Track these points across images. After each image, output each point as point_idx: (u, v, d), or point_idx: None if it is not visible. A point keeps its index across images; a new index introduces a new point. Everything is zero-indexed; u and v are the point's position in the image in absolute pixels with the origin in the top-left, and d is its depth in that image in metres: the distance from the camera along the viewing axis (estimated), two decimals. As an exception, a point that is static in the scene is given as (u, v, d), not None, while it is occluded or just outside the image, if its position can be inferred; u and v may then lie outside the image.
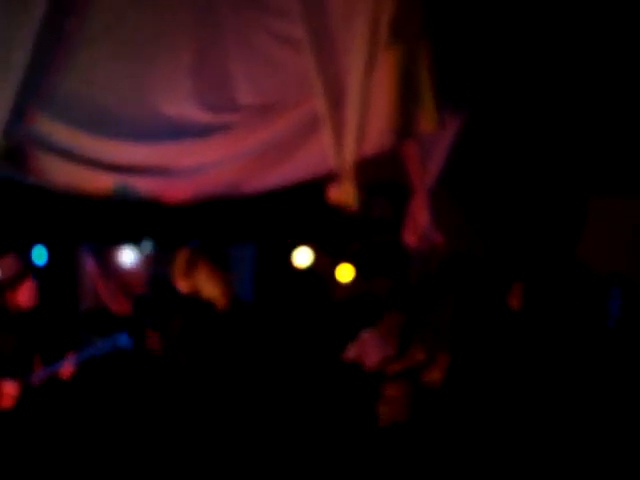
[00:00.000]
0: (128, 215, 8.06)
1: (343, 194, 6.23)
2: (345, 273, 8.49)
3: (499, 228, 8.05)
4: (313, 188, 6.71)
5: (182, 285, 6.36)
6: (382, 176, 7.69)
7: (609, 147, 7.59)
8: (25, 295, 6.75)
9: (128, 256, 9.94)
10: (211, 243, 6.81)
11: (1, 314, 6.72)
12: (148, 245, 10.20)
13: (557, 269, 7.79)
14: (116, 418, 7.51)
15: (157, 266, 9.99)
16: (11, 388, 6.50)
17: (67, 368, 6.71)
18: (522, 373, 6.77)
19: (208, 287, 6.26)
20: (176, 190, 6.95)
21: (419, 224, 7.22)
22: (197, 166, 6.75)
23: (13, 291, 6.71)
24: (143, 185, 6.87)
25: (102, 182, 6.72)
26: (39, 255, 8.43)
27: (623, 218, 8.06)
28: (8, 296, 6.71)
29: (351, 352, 7.55)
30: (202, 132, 6.56)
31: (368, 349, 7.39)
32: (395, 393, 6.49)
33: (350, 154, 6.13)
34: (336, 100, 6.16)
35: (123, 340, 6.96)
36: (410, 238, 7.41)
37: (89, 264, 9.65)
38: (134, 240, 10.04)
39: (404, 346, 7.56)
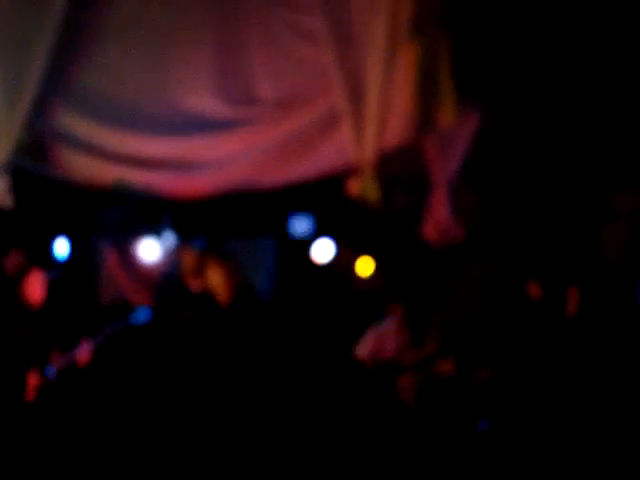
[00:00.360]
0: (150, 207, 8.07)
1: (363, 188, 6.24)
2: (365, 266, 8.47)
3: (519, 222, 8.02)
4: (334, 181, 6.71)
5: (193, 283, 6.38)
6: (404, 169, 7.68)
7: (633, 140, 7.54)
8: (34, 289, 6.71)
9: (150, 248, 9.95)
10: (215, 239, 6.80)
11: (13, 308, 6.72)
12: (170, 237, 10.21)
13: (577, 263, 7.76)
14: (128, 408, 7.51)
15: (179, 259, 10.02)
16: (32, 379, 6.53)
17: (84, 352, 6.71)
18: (540, 366, 6.74)
19: (215, 281, 6.27)
20: (197, 183, 6.96)
21: (439, 218, 7.20)
22: (218, 160, 6.77)
23: (21, 286, 6.67)
24: (164, 178, 6.89)
25: (123, 176, 6.75)
26: (62, 249, 8.43)
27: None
28: (18, 291, 6.70)
29: (365, 346, 7.53)
30: (223, 126, 6.59)
31: (381, 342, 7.38)
32: (407, 384, 6.52)
33: (370, 148, 6.15)
34: (356, 94, 6.17)
35: (141, 315, 6.97)
36: (430, 232, 7.39)
37: (110, 256, 9.67)
38: (156, 232, 10.05)
39: (418, 337, 7.55)
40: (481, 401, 6.63)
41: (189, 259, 6.31)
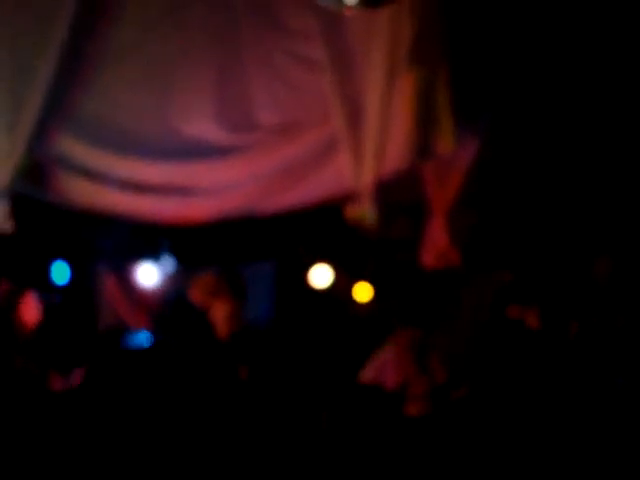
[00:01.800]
0: (148, 233, 8.08)
1: (361, 214, 6.25)
2: (363, 292, 8.46)
3: (519, 248, 8.01)
4: (332, 208, 6.71)
5: (198, 300, 6.35)
6: (402, 196, 7.69)
7: (633, 166, 7.55)
8: (27, 314, 6.67)
9: (149, 274, 9.95)
10: (232, 269, 6.78)
11: (6, 334, 6.67)
12: (169, 263, 10.21)
13: (577, 290, 7.76)
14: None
15: (178, 284, 10.01)
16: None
17: (77, 375, 6.61)
18: (546, 393, 6.73)
19: (218, 315, 6.23)
20: (196, 209, 6.96)
21: (437, 244, 7.20)
22: (217, 186, 6.77)
23: (13, 312, 6.63)
24: (163, 204, 6.90)
25: (122, 201, 6.76)
26: (61, 273, 8.43)
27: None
28: (10, 317, 6.66)
29: (369, 373, 7.47)
30: (222, 152, 6.60)
31: (387, 369, 7.31)
32: (416, 413, 6.46)
33: (368, 174, 6.17)
34: (355, 121, 6.20)
35: (138, 339, 6.95)
36: (428, 258, 7.39)
37: (109, 281, 9.67)
38: (154, 258, 10.05)
39: (423, 364, 7.50)
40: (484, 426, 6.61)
41: (203, 283, 6.27)
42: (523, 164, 7.33)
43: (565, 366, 6.78)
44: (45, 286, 7.31)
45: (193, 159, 6.63)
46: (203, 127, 6.57)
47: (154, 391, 6.49)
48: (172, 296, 9.91)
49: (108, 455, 6.55)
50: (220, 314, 6.15)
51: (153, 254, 9.99)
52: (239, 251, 9.61)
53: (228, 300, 6.18)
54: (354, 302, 8.57)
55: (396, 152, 6.35)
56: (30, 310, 6.72)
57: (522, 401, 6.61)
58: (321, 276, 8.29)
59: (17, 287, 6.79)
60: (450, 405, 6.99)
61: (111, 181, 6.63)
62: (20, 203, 6.54)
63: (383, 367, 7.33)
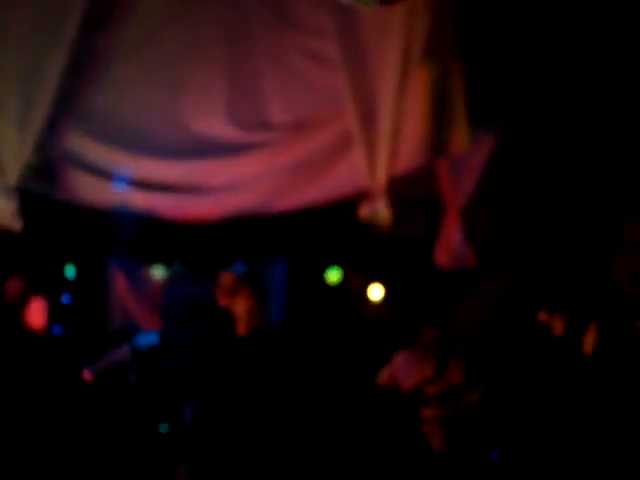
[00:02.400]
0: (160, 232, 8.05)
1: (375, 212, 6.18)
2: (376, 292, 8.42)
3: (533, 246, 7.96)
4: (346, 206, 6.66)
5: (223, 301, 6.32)
6: (416, 193, 7.63)
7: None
8: (35, 315, 6.65)
9: (160, 274, 9.93)
10: (252, 267, 6.75)
11: (14, 335, 6.66)
12: (179, 263, 10.19)
13: (592, 289, 7.70)
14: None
15: (189, 284, 9.99)
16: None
17: (87, 374, 6.72)
18: (563, 396, 6.68)
19: (239, 311, 6.20)
20: (208, 208, 6.92)
21: (451, 243, 7.14)
22: (229, 184, 6.73)
23: (23, 312, 6.61)
24: (175, 202, 6.85)
25: (133, 199, 6.72)
26: (71, 273, 8.41)
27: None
28: (20, 317, 6.64)
29: (386, 374, 7.41)
30: (234, 150, 6.55)
31: (405, 370, 7.24)
32: (431, 415, 6.40)
33: (382, 172, 6.10)
34: (368, 118, 6.13)
35: (147, 339, 6.94)
36: (442, 257, 7.33)
37: (120, 282, 9.65)
38: (166, 258, 10.03)
39: (442, 365, 7.45)
40: (497, 430, 6.56)
41: (225, 279, 6.24)
42: (540, 161, 7.27)
43: (587, 374, 6.73)
44: (55, 286, 7.24)
45: (205, 157, 6.59)
46: (215, 125, 6.52)
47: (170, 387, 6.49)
48: (183, 295, 9.92)
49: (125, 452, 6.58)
50: (240, 310, 6.13)
51: (164, 253, 9.98)
52: (252, 249, 9.60)
53: (248, 297, 6.16)
54: (368, 301, 8.53)
55: (410, 150, 6.29)
56: (38, 315, 6.66)
57: (540, 406, 6.57)
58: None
59: (29, 287, 6.76)
60: (465, 408, 6.96)
61: (122, 179, 6.58)
62: (30, 201, 6.50)
63: (401, 368, 7.27)
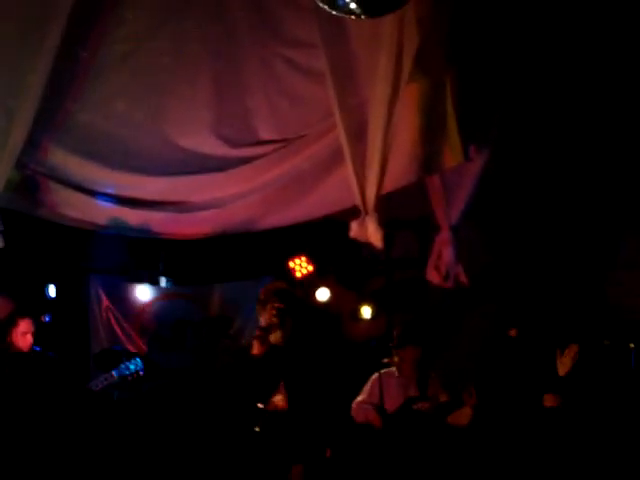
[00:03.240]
0: (144, 250, 7.97)
1: (365, 229, 6.05)
2: (366, 310, 8.36)
3: (525, 264, 7.91)
4: (336, 223, 6.56)
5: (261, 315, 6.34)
6: (408, 211, 7.56)
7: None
8: (23, 336, 6.60)
9: (143, 293, 9.83)
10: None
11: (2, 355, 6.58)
12: (164, 281, 10.10)
13: (585, 309, 7.67)
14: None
15: (174, 304, 9.91)
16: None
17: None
18: (545, 412, 6.63)
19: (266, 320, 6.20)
20: (194, 225, 6.82)
21: (443, 260, 7.04)
22: (215, 200, 6.63)
23: (9, 332, 6.56)
24: (160, 219, 6.74)
25: (117, 216, 6.59)
26: (52, 292, 8.34)
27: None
28: (6, 337, 6.59)
29: (368, 394, 7.31)
30: (220, 166, 6.45)
31: (387, 390, 7.14)
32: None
33: (372, 188, 5.97)
34: (358, 133, 6.00)
35: (135, 365, 6.95)
36: (433, 275, 7.24)
37: (103, 302, 9.56)
38: (150, 276, 9.94)
39: (423, 383, 7.35)
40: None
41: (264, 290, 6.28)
42: (533, 178, 7.22)
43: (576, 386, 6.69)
44: (36, 305, 7.14)
45: (190, 173, 6.50)
46: (202, 140, 6.41)
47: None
48: (170, 315, 9.81)
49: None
50: (266, 319, 6.17)
51: (149, 271, 9.88)
52: (240, 265, 9.50)
53: (271, 309, 6.17)
54: (356, 319, 8.47)
55: (401, 165, 6.19)
56: (25, 336, 6.60)
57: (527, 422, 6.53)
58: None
59: (17, 307, 6.69)
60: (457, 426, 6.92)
61: (105, 195, 6.46)
62: (10, 218, 6.35)
63: (383, 388, 7.15)
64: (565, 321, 7.03)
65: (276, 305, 6.14)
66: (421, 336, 7.42)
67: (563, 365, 6.48)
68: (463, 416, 6.97)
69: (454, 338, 8.15)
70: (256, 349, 6.11)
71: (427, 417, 6.95)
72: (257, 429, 5.94)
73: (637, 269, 7.97)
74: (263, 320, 6.26)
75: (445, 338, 8.20)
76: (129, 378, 7.03)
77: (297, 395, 6.09)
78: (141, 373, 7.06)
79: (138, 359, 7.06)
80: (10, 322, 6.54)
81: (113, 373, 6.96)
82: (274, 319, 6.16)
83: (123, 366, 7.03)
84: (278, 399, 6.13)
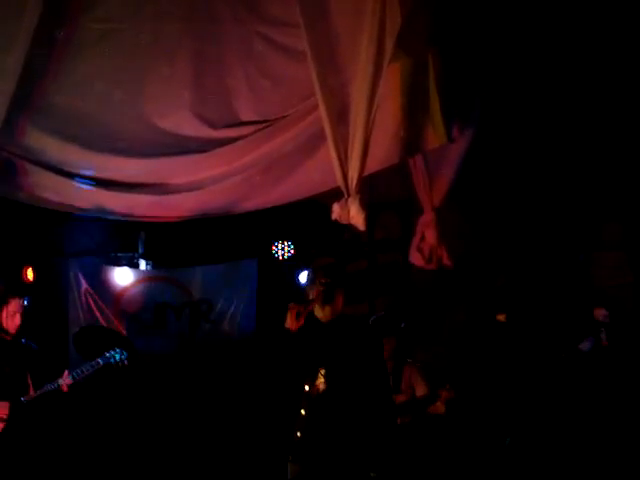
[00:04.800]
0: (124, 232, 7.90)
1: (348, 211, 5.99)
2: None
3: (508, 246, 7.90)
4: (318, 205, 6.51)
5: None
6: (391, 193, 7.51)
7: (623, 169, 7.47)
8: (11, 316, 6.64)
9: (123, 277, 9.76)
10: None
11: None
12: (144, 264, 10.04)
13: (568, 287, 7.70)
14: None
15: (154, 288, 9.86)
16: (1, 410, 6.45)
17: (63, 387, 6.70)
18: (527, 400, 6.65)
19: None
20: (174, 207, 6.75)
21: (426, 243, 7.01)
22: (196, 182, 6.57)
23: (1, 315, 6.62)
24: (140, 201, 6.67)
25: (96, 198, 6.51)
26: (31, 274, 8.28)
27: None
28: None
29: None
30: (201, 147, 6.36)
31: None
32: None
33: (355, 170, 5.89)
34: (340, 114, 5.92)
35: (117, 356, 6.93)
36: (416, 257, 7.20)
37: (82, 285, 9.49)
38: (130, 259, 9.89)
39: (397, 375, 7.32)
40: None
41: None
42: (516, 159, 7.20)
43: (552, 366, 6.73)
44: (16, 288, 7.11)
45: (171, 155, 6.43)
46: (181, 121, 6.33)
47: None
48: (150, 298, 9.74)
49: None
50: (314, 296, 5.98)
51: (129, 253, 9.81)
52: (222, 248, 9.44)
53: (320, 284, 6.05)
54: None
55: (384, 147, 6.15)
56: (14, 316, 6.71)
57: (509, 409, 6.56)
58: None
59: (7, 288, 6.84)
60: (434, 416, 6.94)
61: (84, 177, 6.38)
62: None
63: None
64: (551, 304, 7.06)
65: (322, 280, 6.00)
66: (396, 327, 7.41)
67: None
68: (437, 410, 7.00)
69: (436, 330, 8.16)
70: (290, 323, 5.94)
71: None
72: (303, 413, 5.81)
73: (619, 250, 7.98)
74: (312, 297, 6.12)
75: (427, 330, 8.21)
76: (114, 367, 7.01)
77: (339, 377, 5.93)
78: (126, 363, 7.04)
79: (124, 351, 7.05)
80: (1, 301, 6.64)
81: (99, 361, 6.95)
82: (321, 295, 6.00)
83: (108, 354, 7.02)
84: (320, 382, 6.03)
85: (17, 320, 6.68)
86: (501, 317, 7.23)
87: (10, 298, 6.67)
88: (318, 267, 6.20)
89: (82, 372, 6.78)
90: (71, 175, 6.41)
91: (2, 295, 6.67)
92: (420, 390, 7.24)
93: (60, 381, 6.65)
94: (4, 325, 6.64)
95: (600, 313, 6.98)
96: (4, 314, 6.62)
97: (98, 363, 6.93)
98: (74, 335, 8.91)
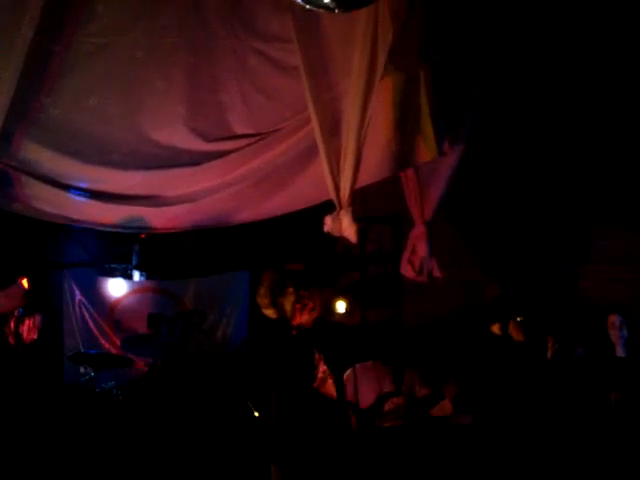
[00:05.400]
0: (118, 244, 7.92)
1: (340, 224, 6.04)
2: (340, 305, 8.35)
3: (500, 258, 7.93)
4: (310, 217, 6.55)
5: None
6: (383, 206, 7.55)
7: (612, 177, 7.51)
8: (32, 330, 6.69)
9: (117, 288, 9.78)
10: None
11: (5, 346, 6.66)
12: (138, 275, 10.05)
13: (558, 300, 7.71)
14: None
15: (147, 299, 9.87)
16: None
17: None
18: (526, 403, 6.67)
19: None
20: (167, 219, 6.79)
21: (417, 255, 7.04)
22: (189, 194, 6.60)
23: (20, 322, 6.67)
24: (134, 213, 6.71)
25: (90, 211, 6.55)
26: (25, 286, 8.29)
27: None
28: (13, 327, 6.67)
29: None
30: (194, 160, 6.41)
31: (361, 385, 7.11)
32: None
33: (347, 183, 5.94)
34: (332, 128, 5.99)
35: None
36: (407, 269, 7.24)
37: (77, 296, 9.51)
38: (124, 270, 9.90)
39: (398, 377, 7.36)
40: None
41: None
42: (507, 172, 7.24)
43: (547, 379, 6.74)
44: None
45: (164, 167, 6.46)
46: (175, 134, 6.37)
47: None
48: (144, 309, 9.76)
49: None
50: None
51: (123, 265, 9.83)
52: (215, 259, 9.47)
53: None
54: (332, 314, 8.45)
55: (375, 160, 6.19)
56: (34, 331, 6.85)
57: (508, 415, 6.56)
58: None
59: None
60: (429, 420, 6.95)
61: (78, 189, 6.41)
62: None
63: (357, 384, 7.14)
64: (539, 314, 7.08)
65: (291, 290, 6.08)
66: (398, 330, 7.45)
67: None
68: (445, 409, 7.02)
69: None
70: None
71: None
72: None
73: (606, 264, 8.02)
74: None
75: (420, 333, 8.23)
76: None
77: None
78: (120, 398, 7.09)
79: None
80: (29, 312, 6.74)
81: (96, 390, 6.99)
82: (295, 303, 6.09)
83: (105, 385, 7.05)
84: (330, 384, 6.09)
85: (34, 335, 6.79)
86: (495, 328, 7.26)
87: (37, 312, 6.78)
88: (286, 275, 6.27)
89: None
90: (66, 187, 6.43)
91: (27, 304, 6.72)
92: (421, 391, 7.26)
93: None
94: (24, 337, 6.67)
95: (613, 320, 6.95)
96: (26, 327, 6.66)
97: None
98: (68, 357, 8.91)
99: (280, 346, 5.96)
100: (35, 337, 6.79)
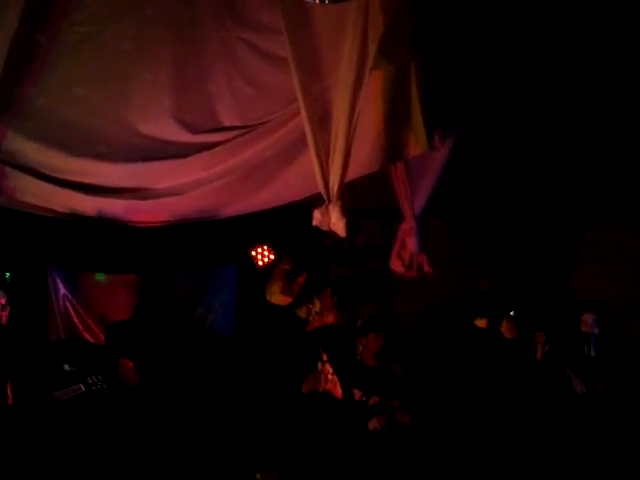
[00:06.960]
0: (103, 238, 7.84)
1: (328, 218, 5.99)
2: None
3: (490, 255, 7.92)
4: (299, 211, 6.51)
5: None
6: (372, 200, 7.52)
7: (604, 174, 7.50)
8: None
9: (101, 281, 9.72)
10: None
11: None
12: (122, 270, 9.99)
13: (549, 295, 7.72)
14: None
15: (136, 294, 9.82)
16: None
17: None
18: (511, 404, 6.65)
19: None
20: (154, 212, 6.73)
21: (407, 250, 7.02)
22: (176, 187, 6.55)
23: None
24: (120, 207, 6.64)
25: (77, 203, 6.48)
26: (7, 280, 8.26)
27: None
28: None
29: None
30: (182, 152, 6.34)
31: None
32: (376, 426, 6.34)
33: (336, 176, 5.89)
34: (322, 120, 5.93)
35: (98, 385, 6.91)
36: (397, 264, 7.21)
37: (60, 290, 9.44)
38: (110, 264, 9.83)
39: (385, 370, 7.34)
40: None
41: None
42: (497, 167, 7.22)
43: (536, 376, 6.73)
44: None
45: (151, 160, 6.38)
46: (162, 126, 6.30)
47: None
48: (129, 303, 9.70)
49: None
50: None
51: (109, 261, 9.75)
52: (202, 254, 9.42)
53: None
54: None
55: (365, 154, 6.17)
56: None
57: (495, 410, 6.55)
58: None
59: None
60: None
61: (65, 181, 6.34)
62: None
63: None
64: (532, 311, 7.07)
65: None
66: (384, 325, 7.42)
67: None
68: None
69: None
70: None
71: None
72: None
73: (597, 260, 8.02)
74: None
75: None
76: (95, 394, 6.99)
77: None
78: (106, 392, 7.02)
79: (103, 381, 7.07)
80: None
81: (81, 386, 6.91)
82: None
83: (91, 381, 6.98)
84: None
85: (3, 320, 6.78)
86: (481, 323, 7.25)
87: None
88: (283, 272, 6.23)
89: (62, 396, 6.75)
90: (51, 179, 6.35)
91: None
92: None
93: None
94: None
95: (588, 319, 6.96)
96: None
97: (80, 388, 6.89)
98: (50, 345, 8.86)
99: (289, 346, 5.91)
100: (4, 322, 6.70)
